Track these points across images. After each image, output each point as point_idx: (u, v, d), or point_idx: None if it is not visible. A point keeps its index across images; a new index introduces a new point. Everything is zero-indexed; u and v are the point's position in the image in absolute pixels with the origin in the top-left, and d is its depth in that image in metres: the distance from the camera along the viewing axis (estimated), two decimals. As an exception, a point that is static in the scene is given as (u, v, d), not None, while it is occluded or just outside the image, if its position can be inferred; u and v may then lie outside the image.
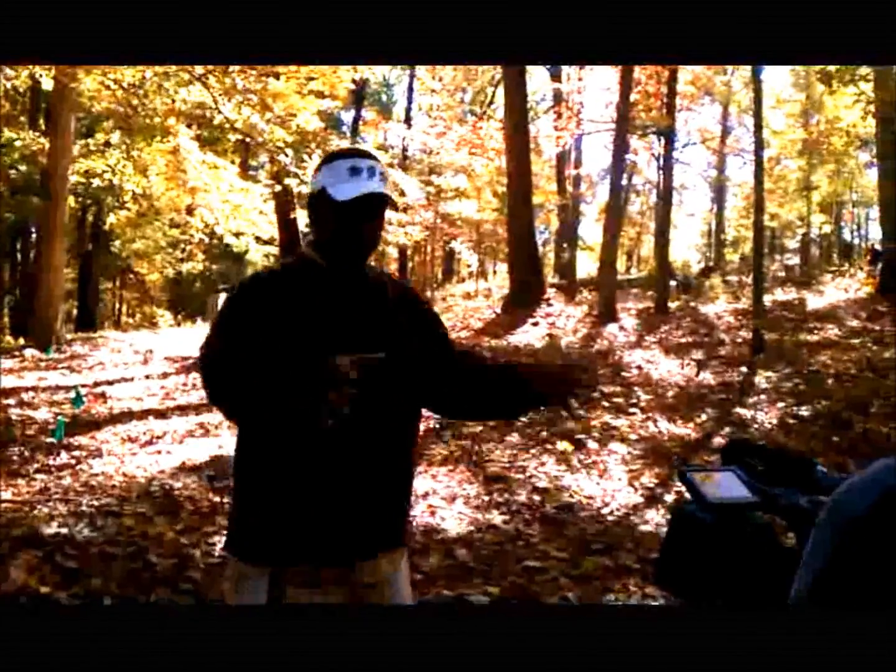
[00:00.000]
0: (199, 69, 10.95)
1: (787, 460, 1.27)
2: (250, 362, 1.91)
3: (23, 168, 19.59)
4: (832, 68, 13.85)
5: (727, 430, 7.91)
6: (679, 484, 6.20)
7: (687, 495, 1.24)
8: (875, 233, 34.63)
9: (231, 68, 11.26)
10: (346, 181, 1.95)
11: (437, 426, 7.60)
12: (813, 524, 0.91)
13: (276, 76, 11.28)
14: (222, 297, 13.73)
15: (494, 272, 36.10)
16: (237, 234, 15.59)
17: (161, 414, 9.00)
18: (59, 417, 7.92)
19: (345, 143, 14.85)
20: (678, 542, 1.24)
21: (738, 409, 8.52)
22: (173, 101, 12.57)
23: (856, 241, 35.56)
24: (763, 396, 8.98)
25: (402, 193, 18.07)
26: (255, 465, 1.98)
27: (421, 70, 27.39)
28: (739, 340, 12.15)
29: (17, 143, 18.49)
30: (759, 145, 12.85)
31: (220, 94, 11.92)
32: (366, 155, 2.05)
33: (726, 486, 1.22)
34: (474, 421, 6.73)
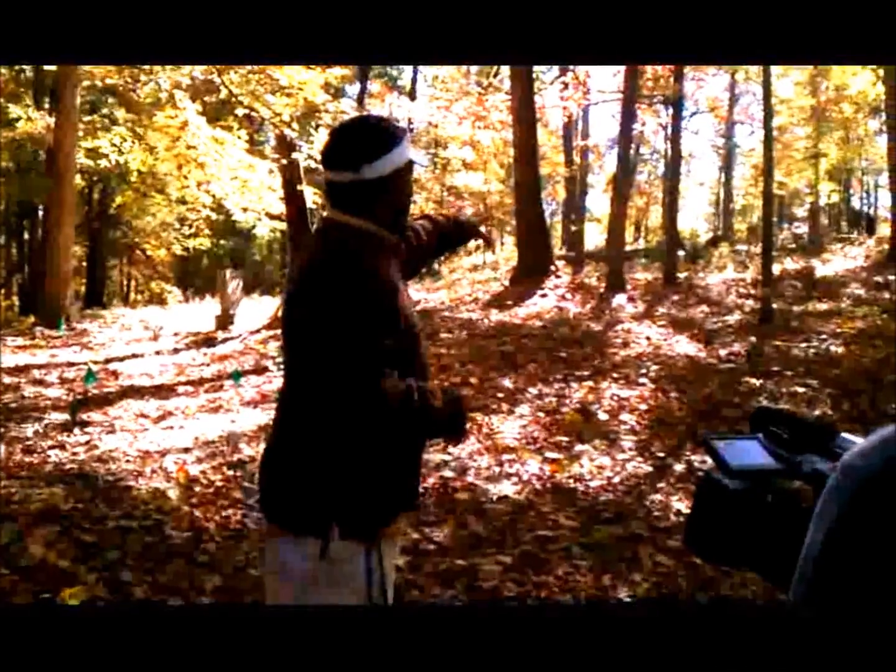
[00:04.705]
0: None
1: (810, 428, 1.29)
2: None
3: (28, 146, 19.51)
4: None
5: (736, 399, 7.92)
6: (689, 453, 6.26)
7: (711, 462, 1.25)
8: (885, 200, 34.46)
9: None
10: (418, 150, 2.15)
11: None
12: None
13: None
14: (229, 273, 13.74)
15: (502, 244, 35.99)
16: (244, 209, 15.56)
17: (172, 390, 9.05)
18: (73, 398, 7.97)
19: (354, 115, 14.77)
20: (704, 507, 1.26)
21: (748, 379, 8.52)
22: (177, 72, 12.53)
23: (865, 208, 35.32)
24: (772, 365, 8.98)
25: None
26: (349, 448, 2.00)
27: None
28: (748, 310, 12.14)
29: (21, 124, 18.39)
30: (769, 113, 12.74)
31: (224, 67, 11.88)
32: None
33: (750, 453, 1.24)
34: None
